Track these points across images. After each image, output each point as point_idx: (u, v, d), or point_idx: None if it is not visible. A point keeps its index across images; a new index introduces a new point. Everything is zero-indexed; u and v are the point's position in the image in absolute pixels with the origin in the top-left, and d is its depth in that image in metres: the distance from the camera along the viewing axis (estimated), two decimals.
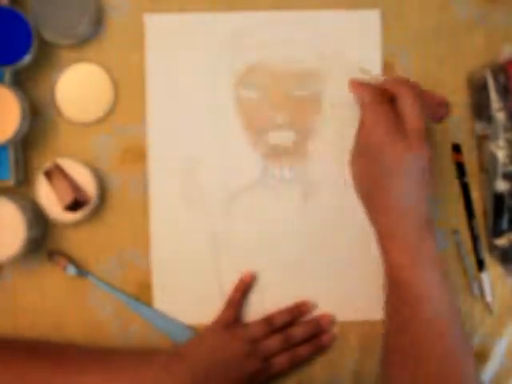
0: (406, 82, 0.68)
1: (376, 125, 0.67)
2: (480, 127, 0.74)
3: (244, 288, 0.75)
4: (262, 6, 0.75)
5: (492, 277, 0.76)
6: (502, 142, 0.73)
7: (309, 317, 0.75)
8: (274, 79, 0.75)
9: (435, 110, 0.75)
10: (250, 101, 0.75)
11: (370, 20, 0.76)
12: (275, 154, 0.75)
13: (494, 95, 0.72)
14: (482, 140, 0.75)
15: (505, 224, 0.74)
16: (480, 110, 0.74)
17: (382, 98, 0.68)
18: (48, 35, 0.72)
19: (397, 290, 0.67)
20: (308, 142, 0.75)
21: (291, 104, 0.75)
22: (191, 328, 0.75)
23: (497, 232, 0.74)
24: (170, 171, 0.75)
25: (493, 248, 0.75)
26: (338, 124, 0.75)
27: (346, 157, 0.70)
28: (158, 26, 0.75)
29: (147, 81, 0.75)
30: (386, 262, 0.68)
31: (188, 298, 0.75)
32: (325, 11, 0.75)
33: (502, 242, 0.74)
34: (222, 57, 0.75)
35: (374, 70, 0.75)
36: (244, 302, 0.75)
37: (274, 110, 0.75)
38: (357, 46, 0.75)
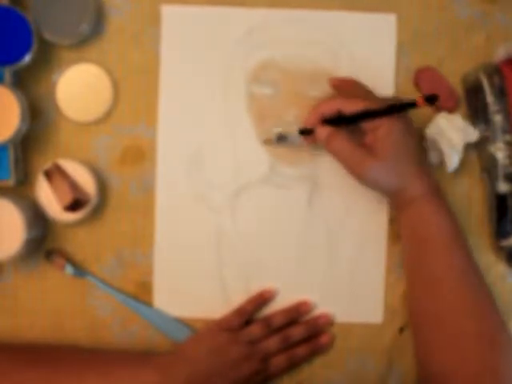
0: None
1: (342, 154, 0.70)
2: (478, 129, 0.74)
3: (260, 302, 0.75)
4: (279, 3, 0.75)
5: (492, 277, 0.76)
6: (500, 144, 0.72)
7: (308, 317, 0.75)
8: (287, 77, 0.75)
9: (443, 100, 0.74)
10: (262, 97, 0.75)
11: (386, 24, 0.75)
12: (284, 151, 0.75)
13: (490, 98, 0.72)
14: (481, 140, 0.74)
15: (509, 226, 0.73)
16: (477, 112, 0.74)
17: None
18: (48, 35, 0.72)
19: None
20: (317, 142, 0.75)
21: (302, 102, 0.75)
22: (191, 327, 0.75)
23: (502, 233, 0.74)
24: (177, 165, 0.75)
25: (499, 249, 0.75)
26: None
27: None
28: (173, 18, 0.74)
29: (161, 71, 0.74)
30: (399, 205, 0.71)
31: (189, 296, 0.75)
32: (340, 12, 0.75)
33: (508, 243, 0.74)
34: (237, 52, 0.75)
35: (385, 74, 0.75)
36: (254, 315, 0.75)
37: (286, 107, 0.75)
38: (371, 49, 0.75)
